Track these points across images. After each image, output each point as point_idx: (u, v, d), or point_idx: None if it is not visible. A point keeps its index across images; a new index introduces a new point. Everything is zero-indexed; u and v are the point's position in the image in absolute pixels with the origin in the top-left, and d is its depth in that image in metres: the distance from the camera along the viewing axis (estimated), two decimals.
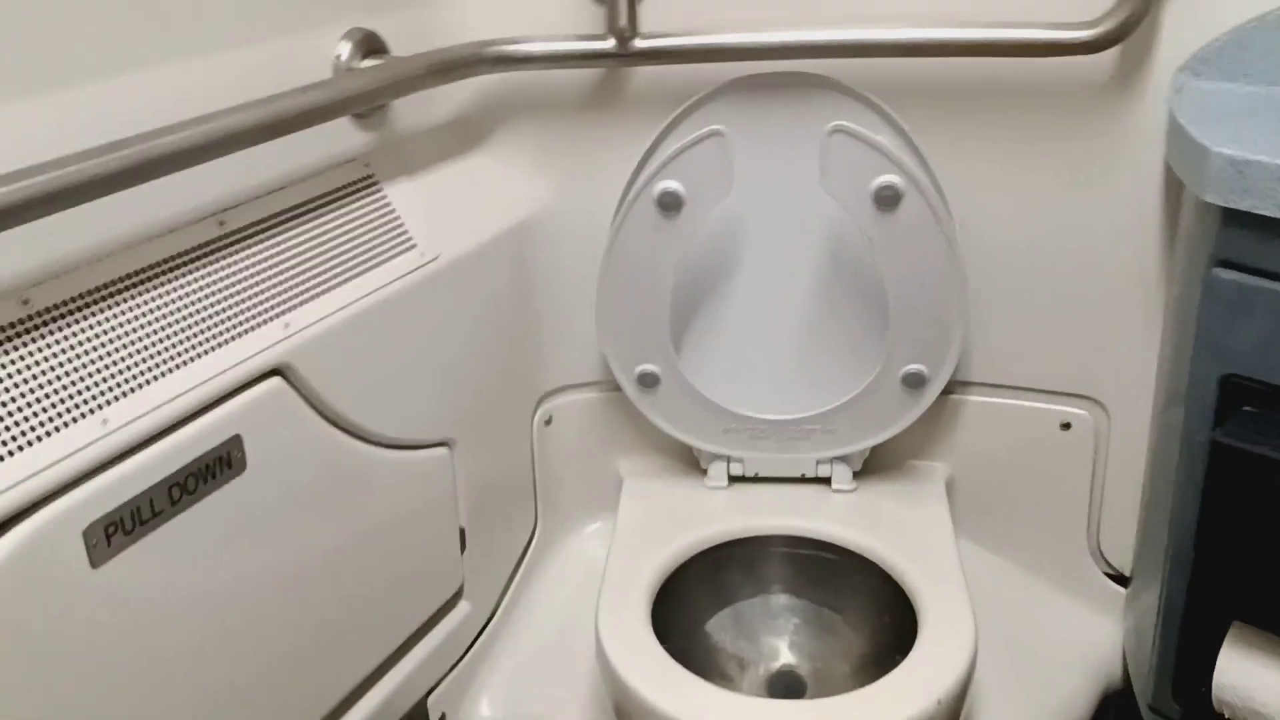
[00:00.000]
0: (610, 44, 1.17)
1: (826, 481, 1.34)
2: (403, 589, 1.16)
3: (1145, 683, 1.12)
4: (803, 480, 1.34)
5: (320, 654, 1.06)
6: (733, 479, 1.35)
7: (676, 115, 1.21)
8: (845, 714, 0.99)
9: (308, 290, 1.00)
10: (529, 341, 1.33)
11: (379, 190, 1.10)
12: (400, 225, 1.11)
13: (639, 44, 1.17)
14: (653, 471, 1.39)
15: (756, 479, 1.35)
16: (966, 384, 1.33)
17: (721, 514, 1.30)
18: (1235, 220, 0.92)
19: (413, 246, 1.11)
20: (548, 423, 1.39)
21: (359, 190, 1.08)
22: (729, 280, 1.29)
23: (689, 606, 1.26)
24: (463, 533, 1.23)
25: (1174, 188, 1.16)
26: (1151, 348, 1.22)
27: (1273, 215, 0.88)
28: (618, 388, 1.33)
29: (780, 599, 1.29)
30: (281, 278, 0.98)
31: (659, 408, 1.31)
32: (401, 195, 1.12)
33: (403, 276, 1.08)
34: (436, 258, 1.13)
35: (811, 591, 1.28)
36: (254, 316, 0.95)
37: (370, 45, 1.08)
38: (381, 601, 1.13)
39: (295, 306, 0.98)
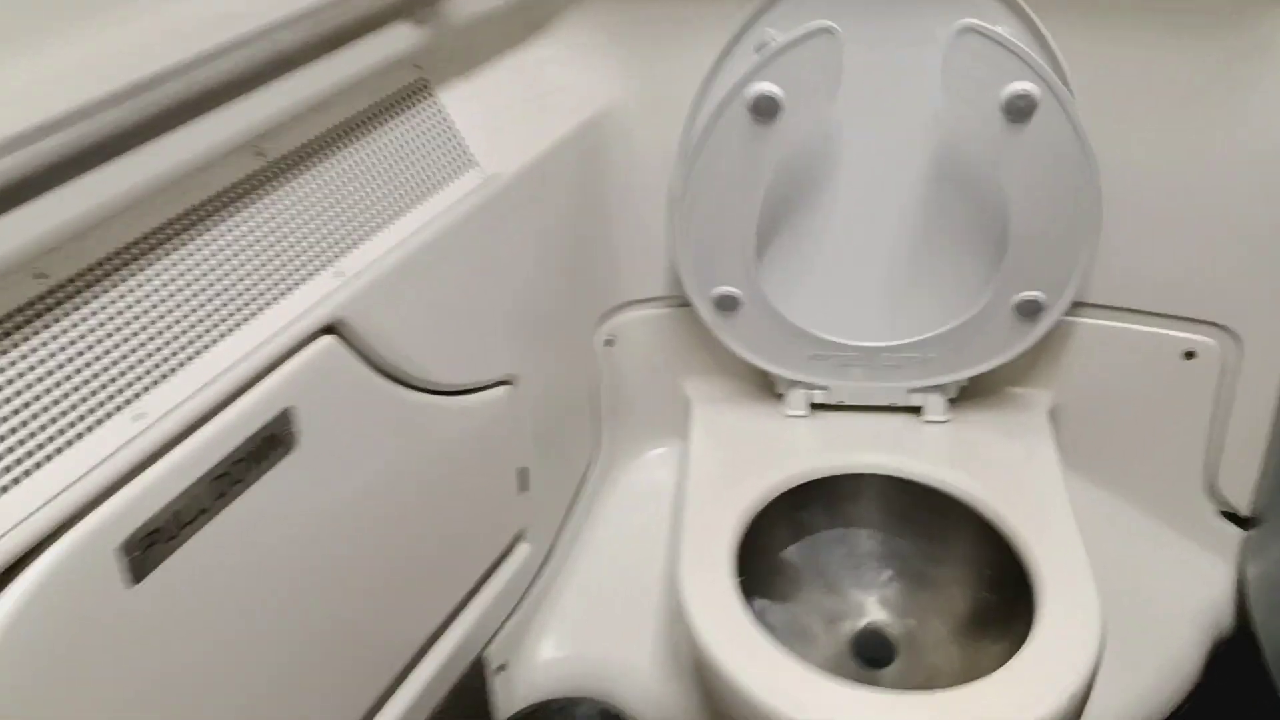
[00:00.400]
0: None
1: (917, 410, 1.21)
2: (463, 539, 1.05)
3: None
4: (891, 409, 1.22)
5: (380, 622, 0.95)
6: (814, 406, 1.22)
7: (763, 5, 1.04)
8: (970, 710, 0.89)
9: (360, 228, 0.85)
10: (593, 255, 1.18)
11: (432, 97, 0.94)
12: (458, 139, 0.94)
13: None
14: (724, 395, 1.26)
15: (840, 407, 1.22)
16: (1081, 304, 1.19)
17: (803, 449, 1.18)
18: None
19: (472, 164, 0.95)
20: (609, 343, 1.25)
21: (410, 99, 0.92)
22: (819, 190, 1.13)
23: (771, 554, 1.15)
24: (523, 472, 1.11)
25: None
26: None
27: None
28: (685, 303, 1.19)
29: (869, 546, 1.18)
30: (330, 215, 0.83)
31: (736, 332, 1.17)
32: (458, 100, 0.96)
33: (462, 201, 0.93)
34: (498, 175, 0.97)
35: (905, 540, 1.17)
36: (302, 266, 0.80)
37: None
38: (442, 556, 1.02)
39: (347, 249, 0.83)
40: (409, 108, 0.91)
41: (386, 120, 0.89)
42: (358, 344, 0.84)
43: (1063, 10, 1.02)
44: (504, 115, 1.00)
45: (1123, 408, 1.23)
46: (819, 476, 1.15)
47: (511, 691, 1.18)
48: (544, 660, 1.20)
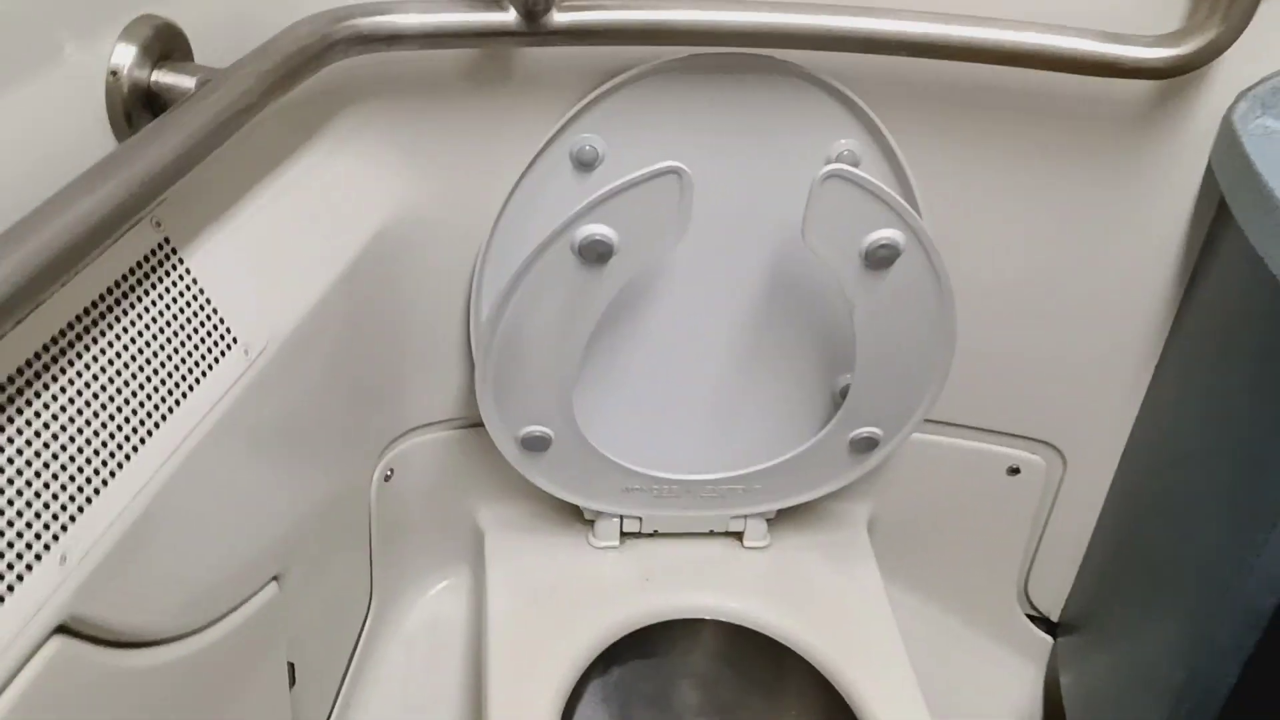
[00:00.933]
0: (511, 17, 0.80)
1: (737, 536, 1.10)
2: None
3: None
4: (708, 534, 1.10)
5: None
6: (625, 534, 1.09)
7: (587, 102, 0.87)
8: None
9: (84, 485, 0.63)
10: (373, 390, 0.99)
11: (178, 261, 0.71)
12: (213, 313, 0.73)
13: (556, 19, 0.80)
14: (522, 523, 1.10)
15: (654, 535, 1.09)
16: None
17: (617, 591, 1.04)
18: None
19: (233, 343, 0.74)
20: (388, 477, 1.06)
21: (147, 275, 0.69)
22: (641, 314, 0.98)
23: (587, 708, 1.02)
24: (292, 668, 0.92)
25: (1198, 233, 0.94)
26: (1133, 400, 1.03)
27: None
28: (477, 422, 1.02)
29: (692, 700, 1.07)
30: (43, 477, 0.60)
31: (544, 470, 1.01)
32: (208, 261, 0.74)
33: (220, 401, 0.72)
34: (264, 349, 0.76)
35: (730, 690, 1.06)
36: (14, 555, 0.58)
37: (166, 45, 0.67)
38: None
39: (72, 518, 0.61)
40: (144, 290, 0.69)
41: (113, 318, 0.66)
42: (97, 633, 0.63)
43: (904, 104, 0.91)
44: (269, 263, 0.78)
45: (942, 519, 1.17)
46: (636, 628, 1.02)
47: None
48: None
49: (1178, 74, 0.84)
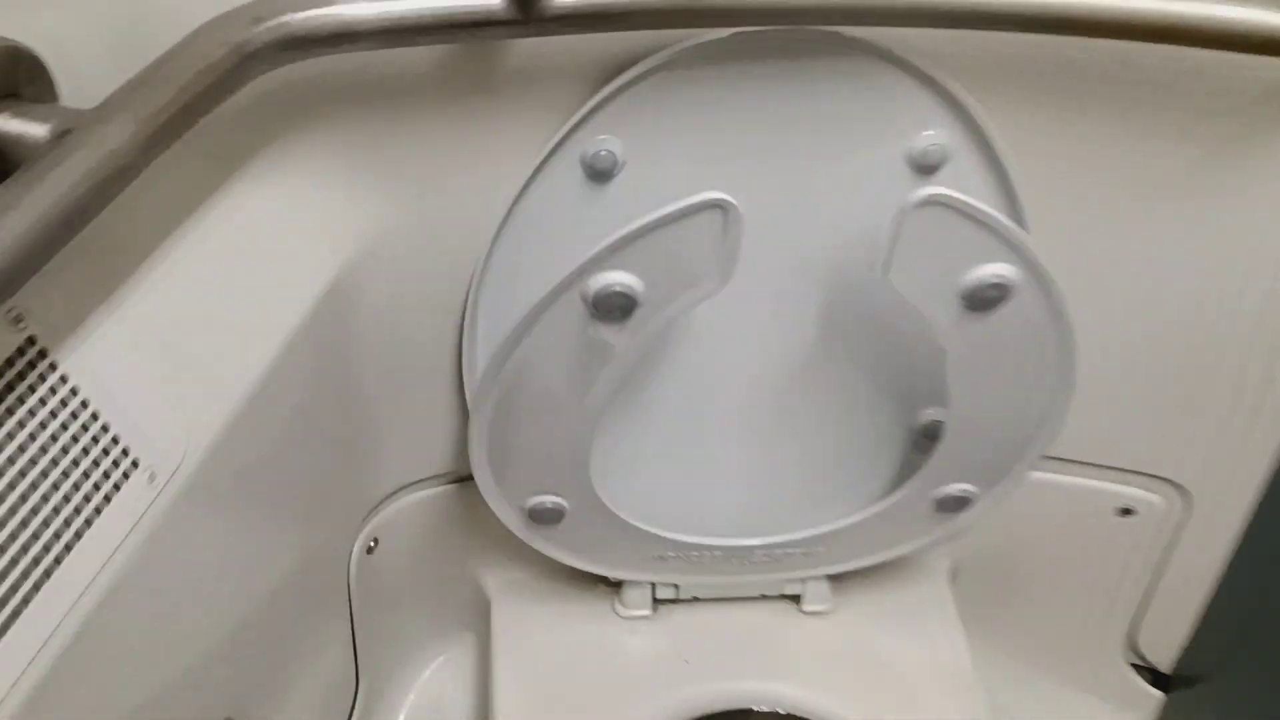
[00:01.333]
0: (500, 5, 0.59)
1: (794, 599, 0.92)
2: None
3: None
4: (757, 599, 0.92)
5: None
6: (659, 600, 0.91)
7: (601, 99, 0.67)
8: None
9: None
10: (345, 462, 0.80)
11: (49, 369, 0.53)
12: (100, 430, 0.54)
13: (556, 1, 0.60)
14: (534, 586, 0.93)
15: (693, 601, 0.92)
16: None
17: (647, 677, 0.87)
18: None
19: (132, 467, 0.55)
20: (371, 550, 0.88)
21: (15, 381, 0.51)
22: (667, 349, 0.79)
23: None
24: None
25: None
26: (1270, 438, 0.84)
27: None
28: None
29: None
30: None
31: (558, 542, 0.83)
32: (92, 362, 0.55)
33: (127, 537, 0.54)
34: (178, 466, 0.57)
35: None
36: None
37: (12, 79, 0.47)
38: None
39: None
40: (12, 400, 0.50)
41: None
42: None
43: (1015, 117, 0.70)
44: (180, 352, 0.59)
45: (1039, 567, 0.98)
46: None
47: None
48: None
49: None
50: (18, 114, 0.48)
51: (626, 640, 0.90)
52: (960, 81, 0.69)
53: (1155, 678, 1.02)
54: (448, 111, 0.68)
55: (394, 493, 0.88)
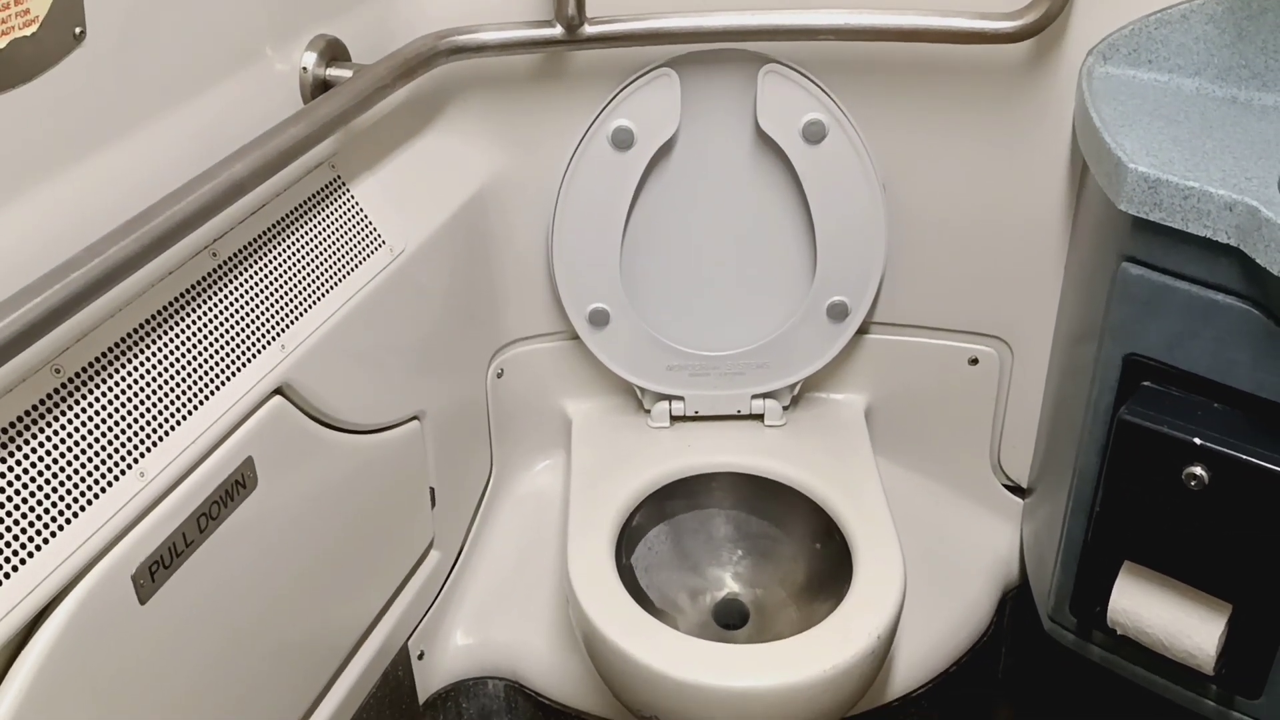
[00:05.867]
0: (558, 30, 1.20)
1: (759, 418, 1.46)
2: (386, 552, 1.25)
3: (1045, 599, 1.29)
4: (739, 417, 1.46)
5: (323, 622, 1.15)
6: (675, 418, 1.46)
7: (624, 86, 1.27)
8: (800, 654, 1.14)
9: (296, 306, 1.05)
10: (484, 303, 1.40)
11: (347, 191, 1.14)
12: (369, 224, 1.15)
13: (588, 30, 1.20)
14: (599, 413, 1.49)
15: (696, 417, 1.46)
16: (884, 324, 1.45)
17: (666, 453, 1.42)
18: (1144, 225, 1.04)
19: (382, 244, 1.15)
20: (500, 375, 1.47)
21: (329, 194, 1.12)
22: (669, 230, 1.38)
23: (644, 542, 1.38)
24: (433, 491, 1.32)
25: (1079, 160, 1.27)
26: (1052, 296, 1.35)
27: (1178, 227, 1.01)
28: (565, 337, 1.43)
29: (724, 531, 1.42)
30: (273, 298, 1.02)
31: (607, 347, 1.41)
32: (367, 192, 1.16)
33: (376, 276, 1.14)
34: (403, 251, 1.18)
35: (752, 523, 1.41)
36: (255, 343, 1.00)
37: (334, 52, 1.10)
38: (370, 564, 1.22)
39: (288, 325, 1.03)
40: (328, 202, 1.11)
41: (311, 214, 1.09)
42: (299, 401, 1.04)
43: (860, 80, 1.28)
44: (406, 197, 1.21)
45: (923, 406, 1.50)
46: (680, 476, 1.39)
47: (430, 675, 1.39)
48: (457, 647, 1.42)
49: (1024, 38, 1.18)
50: (337, 66, 1.10)
51: (654, 440, 1.44)
52: (824, 79, 1.26)
53: (1020, 492, 1.50)
54: (532, 97, 1.30)
55: (512, 341, 1.46)
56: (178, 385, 0.92)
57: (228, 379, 0.96)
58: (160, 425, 0.90)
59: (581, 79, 1.29)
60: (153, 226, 0.84)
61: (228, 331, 0.98)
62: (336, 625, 1.18)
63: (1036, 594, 1.35)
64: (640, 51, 1.25)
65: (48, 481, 0.81)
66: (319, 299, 1.07)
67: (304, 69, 1.07)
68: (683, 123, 1.29)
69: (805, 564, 1.38)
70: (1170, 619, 1.12)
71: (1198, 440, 1.02)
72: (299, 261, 1.06)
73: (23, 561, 0.78)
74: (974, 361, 1.45)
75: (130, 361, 0.89)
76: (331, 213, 1.11)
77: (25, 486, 0.80)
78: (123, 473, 0.86)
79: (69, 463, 0.83)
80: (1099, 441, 1.15)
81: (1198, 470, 1.03)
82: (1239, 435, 1.02)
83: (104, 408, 0.86)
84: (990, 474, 1.51)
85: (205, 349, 0.95)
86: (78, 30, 0.82)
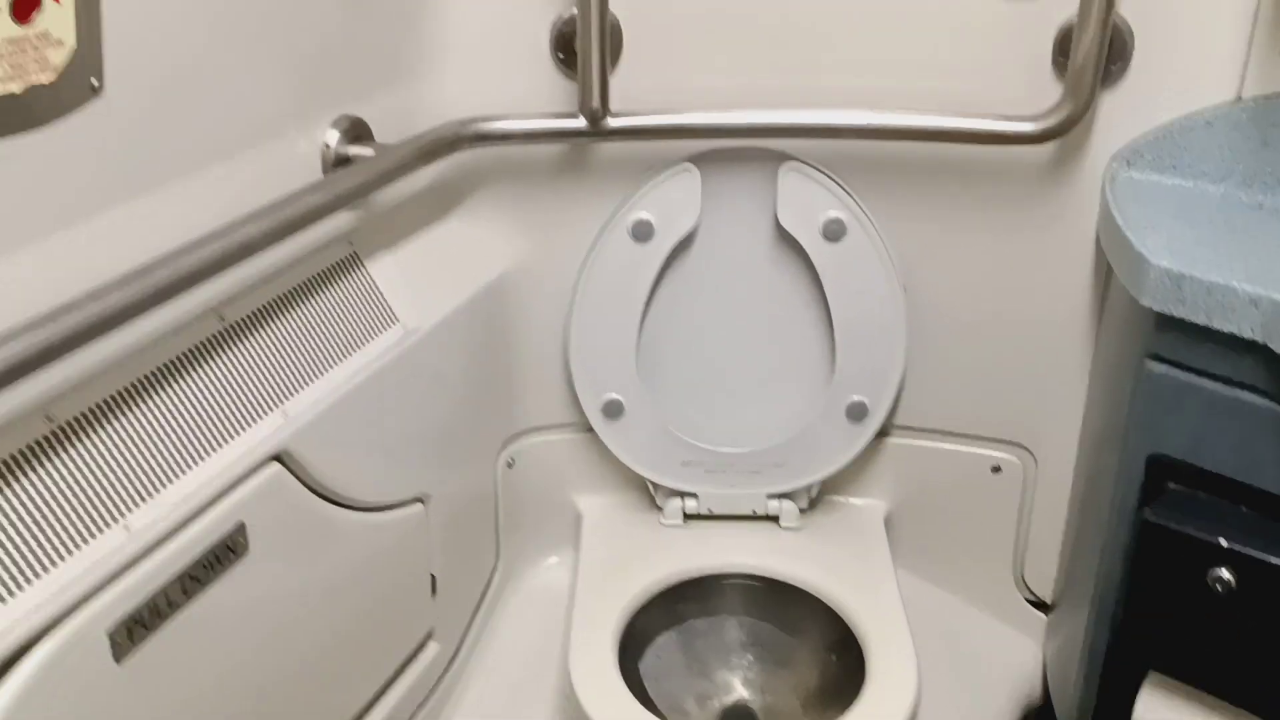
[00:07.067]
0: (582, 122, 1.22)
1: (775, 520, 1.42)
2: (381, 636, 1.22)
3: (1069, 714, 1.23)
4: (753, 517, 1.43)
5: (309, 706, 1.11)
6: (688, 516, 1.43)
7: (646, 180, 1.28)
8: None
9: (302, 375, 1.04)
10: (498, 390, 1.39)
11: (363, 268, 1.14)
12: (383, 301, 1.15)
13: (610, 123, 1.22)
14: (611, 509, 1.46)
15: (710, 516, 1.43)
16: (905, 429, 1.42)
17: (678, 552, 1.38)
18: (1167, 322, 1.02)
19: (395, 322, 1.15)
20: (510, 465, 1.45)
21: (344, 269, 1.12)
22: (687, 323, 1.37)
23: (651, 642, 1.34)
24: (434, 578, 1.29)
25: (1104, 263, 1.25)
26: (1077, 402, 1.32)
27: (1202, 323, 0.98)
28: (578, 429, 1.41)
29: (735, 635, 1.37)
30: (278, 365, 1.02)
31: (621, 440, 1.39)
32: (383, 269, 1.16)
33: (386, 353, 1.13)
34: (416, 329, 1.17)
35: (764, 628, 1.37)
36: (255, 407, 0.99)
37: (356, 131, 1.11)
38: (362, 650, 1.19)
39: (292, 393, 1.02)
40: (342, 277, 1.11)
41: (324, 287, 1.09)
42: (298, 470, 1.02)
43: (883, 180, 1.28)
44: (422, 279, 1.21)
45: (944, 514, 1.46)
46: (691, 577, 1.35)
47: None
48: None
49: (1048, 139, 1.18)
50: (359, 145, 1.11)
51: (667, 538, 1.41)
52: (846, 179, 1.27)
53: (1044, 608, 1.45)
54: (554, 186, 1.31)
55: (525, 431, 1.44)
56: (173, 443, 0.91)
57: (225, 441, 0.95)
58: (151, 481, 0.89)
59: (603, 171, 1.30)
60: (156, 277, 0.84)
61: (228, 394, 0.97)
62: (324, 709, 1.14)
63: (1059, 713, 1.29)
64: (662, 146, 1.27)
65: (28, 527, 0.79)
66: (326, 370, 1.07)
67: (326, 145, 1.08)
68: (702, 217, 1.29)
69: (818, 671, 1.32)
70: None
71: (1223, 542, 0.98)
72: (308, 331, 1.06)
73: None
74: (997, 470, 1.41)
75: (126, 415, 0.88)
76: (345, 287, 1.12)
77: (2, 530, 0.78)
78: (108, 525, 0.85)
79: (52, 510, 0.81)
80: (1123, 545, 1.10)
81: (1224, 573, 0.98)
82: (1266, 537, 0.97)
83: (95, 458, 0.85)
84: (1013, 587, 1.46)
85: (204, 409, 0.94)
86: (95, 83, 0.83)
